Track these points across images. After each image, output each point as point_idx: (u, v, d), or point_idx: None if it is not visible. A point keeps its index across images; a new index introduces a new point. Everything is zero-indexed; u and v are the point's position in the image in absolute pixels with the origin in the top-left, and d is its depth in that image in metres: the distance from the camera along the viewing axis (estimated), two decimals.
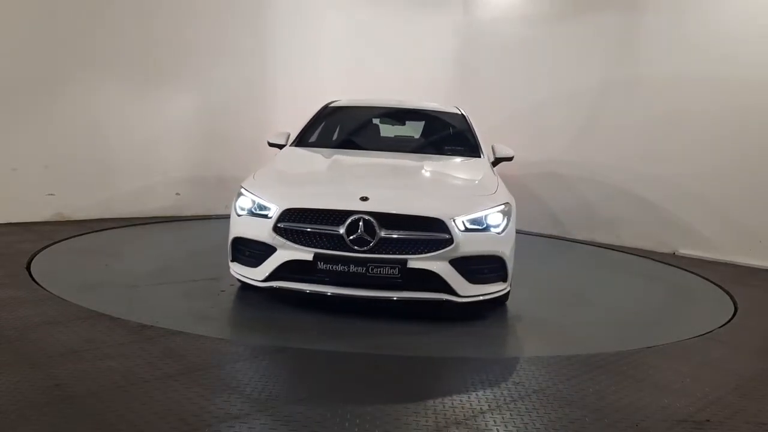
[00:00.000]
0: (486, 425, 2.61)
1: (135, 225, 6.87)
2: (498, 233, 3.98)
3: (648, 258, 6.99)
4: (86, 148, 7.01)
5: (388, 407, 2.70)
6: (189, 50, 7.68)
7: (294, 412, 2.60)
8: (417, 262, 3.76)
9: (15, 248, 5.35)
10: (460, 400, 2.83)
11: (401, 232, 3.78)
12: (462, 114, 5.71)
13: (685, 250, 7.24)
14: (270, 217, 3.89)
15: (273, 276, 3.91)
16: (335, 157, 4.87)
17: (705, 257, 7.04)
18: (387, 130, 5.95)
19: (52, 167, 6.73)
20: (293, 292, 3.98)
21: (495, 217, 4.00)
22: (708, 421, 2.80)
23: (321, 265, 3.78)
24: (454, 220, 3.82)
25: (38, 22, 6.53)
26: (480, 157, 5.12)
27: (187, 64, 7.72)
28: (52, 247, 5.54)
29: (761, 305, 5.27)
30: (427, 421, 2.59)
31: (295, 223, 3.84)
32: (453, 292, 3.86)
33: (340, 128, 5.76)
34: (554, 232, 8.14)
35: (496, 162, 5.26)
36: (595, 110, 7.96)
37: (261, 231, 3.91)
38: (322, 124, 5.69)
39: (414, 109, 6.05)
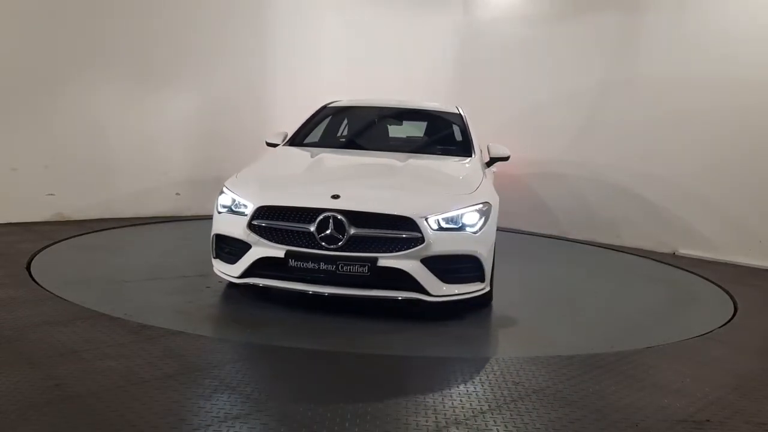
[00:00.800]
0: (486, 425, 2.61)
1: (135, 225, 6.87)
2: (473, 233, 3.94)
3: (648, 258, 6.99)
4: (86, 148, 7.01)
5: (388, 407, 2.70)
6: (189, 50, 7.69)
7: (294, 412, 2.60)
8: (387, 260, 3.76)
9: (15, 248, 5.35)
10: (460, 400, 2.83)
11: (372, 231, 3.79)
12: (459, 114, 5.69)
13: (685, 250, 7.24)
14: (246, 215, 3.95)
15: (248, 273, 3.97)
16: (320, 156, 4.90)
17: (705, 257, 7.04)
18: (382, 130, 5.94)
19: (52, 167, 6.73)
20: (267, 289, 4.02)
21: (471, 217, 3.97)
22: (708, 421, 2.80)
23: (292, 263, 3.81)
24: (426, 219, 3.80)
25: (38, 22, 6.53)
26: (471, 156, 5.06)
27: (187, 64, 7.72)
28: (52, 247, 5.54)
29: (761, 305, 5.27)
30: (427, 421, 2.59)
31: (269, 220, 3.90)
32: (424, 291, 3.84)
33: (335, 128, 5.78)
34: (554, 232, 8.14)
35: (492, 161, 5.22)
36: (594, 110, 7.96)
37: (237, 228, 3.98)
38: (318, 124, 5.73)
39: (411, 109, 6.05)
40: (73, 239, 5.95)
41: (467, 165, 4.85)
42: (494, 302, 4.95)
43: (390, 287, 3.85)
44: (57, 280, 4.46)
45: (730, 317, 4.74)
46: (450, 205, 3.95)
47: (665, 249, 7.35)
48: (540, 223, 8.20)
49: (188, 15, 7.64)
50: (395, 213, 3.80)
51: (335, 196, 3.84)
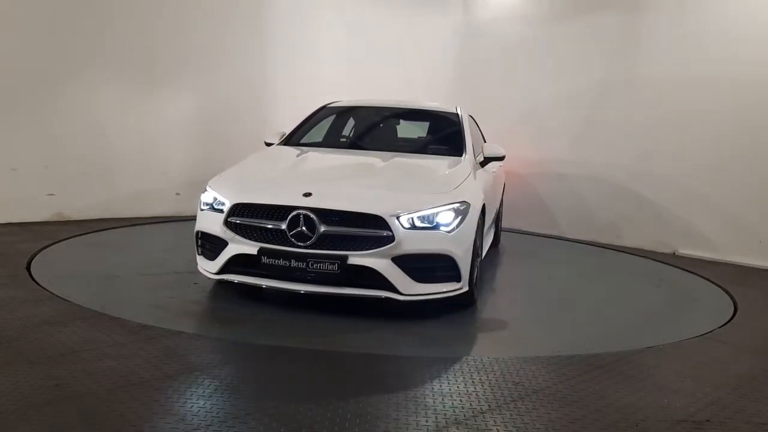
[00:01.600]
0: (486, 425, 2.61)
1: (135, 225, 6.87)
2: (447, 232, 3.92)
3: (648, 258, 6.99)
4: (86, 148, 7.00)
5: (388, 407, 2.70)
6: (189, 50, 7.68)
7: (294, 411, 2.60)
8: (357, 258, 3.77)
9: (15, 248, 5.35)
10: (460, 400, 2.83)
11: (342, 228, 3.80)
12: (456, 113, 5.63)
13: (685, 250, 7.24)
14: (224, 212, 4.01)
15: (224, 269, 4.04)
16: (306, 155, 4.95)
17: (705, 257, 7.04)
18: (378, 130, 5.93)
19: (52, 167, 6.73)
20: (242, 285, 4.07)
21: (446, 216, 3.94)
22: (708, 421, 2.81)
23: (265, 260, 3.85)
24: (398, 218, 3.79)
25: (38, 22, 6.53)
26: (462, 156, 4.96)
27: (188, 64, 7.72)
28: (52, 247, 5.54)
29: (761, 305, 5.27)
30: (427, 421, 2.59)
31: (244, 217, 3.96)
32: (395, 290, 3.83)
33: (332, 128, 5.79)
34: (554, 232, 8.13)
35: (486, 161, 5.17)
36: (594, 110, 7.95)
37: (216, 225, 4.04)
38: (316, 124, 5.75)
39: (408, 109, 6.02)
40: (73, 239, 5.95)
41: (454, 164, 4.76)
42: (493, 301, 4.96)
43: (361, 285, 3.85)
44: (57, 280, 4.46)
45: (730, 317, 4.74)
46: (423, 203, 3.93)
47: (665, 249, 7.35)
48: (539, 223, 8.20)
49: (188, 15, 7.63)
50: (364, 211, 3.80)
51: (307, 194, 3.88)
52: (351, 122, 5.93)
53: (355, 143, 5.56)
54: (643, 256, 7.06)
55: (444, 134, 5.60)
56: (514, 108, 8.50)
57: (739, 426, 2.78)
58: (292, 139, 5.47)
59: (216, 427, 2.42)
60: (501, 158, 5.22)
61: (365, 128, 5.89)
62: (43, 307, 3.82)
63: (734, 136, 6.83)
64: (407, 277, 3.83)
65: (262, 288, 3.99)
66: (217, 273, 4.09)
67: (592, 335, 4.15)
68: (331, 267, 3.77)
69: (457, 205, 4.02)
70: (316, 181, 4.23)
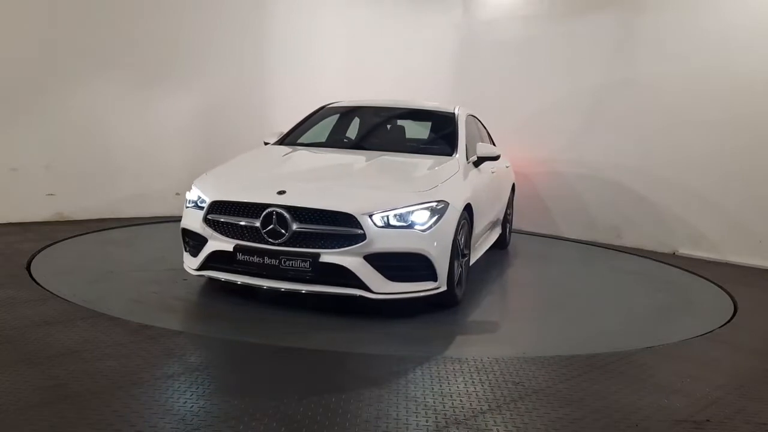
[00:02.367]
0: (486, 425, 2.61)
1: (135, 225, 6.87)
2: (422, 231, 3.90)
3: (648, 258, 6.99)
4: (86, 148, 7.00)
5: (388, 407, 2.70)
6: (190, 51, 7.68)
7: (293, 412, 2.60)
8: (329, 256, 3.78)
9: (15, 248, 5.35)
10: (460, 400, 2.83)
11: (314, 226, 3.82)
12: (453, 113, 5.55)
13: (685, 250, 7.24)
14: (203, 210, 4.10)
15: (204, 266, 4.11)
16: (294, 154, 5.00)
17: (705, 257, 7.04)
18: (372, 130, 5.90)
19: (53, 167, 6.73)
20: (230, 282, 4.13)
21: (421, 215, 3.92)
22: (708, 421, 2.81)
23: (240, 256, 3.91)
24: (371, 216, 3.79)
25: (39, 21, 6.53)
26: (452, 155, 4.89)
27: (188, 65, 7.72)
28: (52, 247, 5.54)
29: (761, 305, 5.27)
30: (427, 421, 2.59)
31: (221, 215, 4.03)
32: (367, 288, 3.83)
33: (327, 128, 5.80)
34: (553, 232, 8.14)
35: (479, 161, 5.11)
36: (594, 110, 7.96)
37: (197, 222, 4.13)
38: (314, 124, 5.75)
39: (405, 109, 5.97)
40: (73, 239, 5.95)
41: (440, 164, 4.70)
42: (493, 301, 4.96)
43: (333, 283, 3.86)
44: (57, 280, 4.46)
45: (730, 317, 4.74)
46: (397, 202, 3.92)
47: (665, 249, 7.35)
48: (539, 223, 8.21)
49: (189, 15, 7.63)
50: (335, 209, 3.81)
51: (281, 192, 3.91)
52: (347, 122, 5.93)
53: (349, 143, 5.58)
54: (643, 256, 7.06)
55: (438, 134, 5.58)
56: (513, 108, 8.51)
57: (739, 426, 2.78)
58: (288, 139, 5.51)
59: (216, 427, 2.42)
60: (495, 158, 5.17)
61: (360, 128, 5.88)
62: (43, 307, 3.82)
63: (734, 136, 6.83)
64: (380, 275, 3.84)
65: (252, 286, 4.02)
66: (198, 269, 4.16)
67: (592, 335, 4.15)
68: (303, 264, 3.80)
69: (434, 204, 3.99)
70: (294, 179, 4.29)
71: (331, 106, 5.97)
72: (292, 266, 3.82)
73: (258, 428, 2.43)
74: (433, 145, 5.40)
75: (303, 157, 5.03)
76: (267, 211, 3.85)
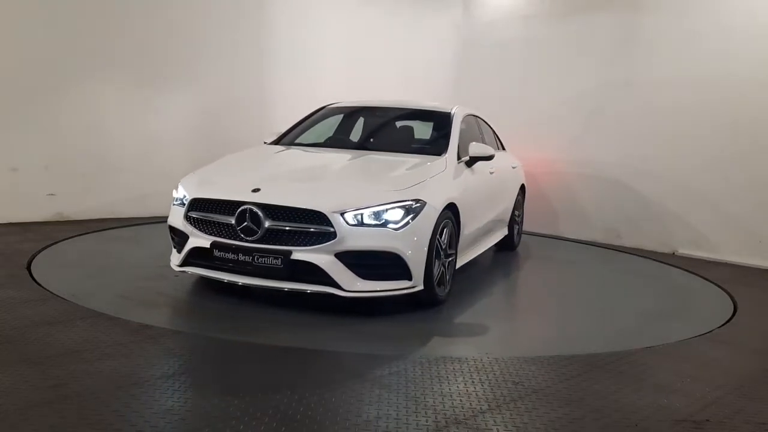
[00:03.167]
0: (486, 425, 2.61)
1: (135, 225, 6.87)
2: (395, 229, 3.89)
3: (648, 258, 6.99)
4: (86, 148, 7.00)
5: (388, 407, 2.70)
6: (189, 50, 7.68)
7: (293, 412, 2.60)
8: (301, 253, 3.82)
9: (15, 248, 5.36)
10: (460, 400, 2.83)
11: (287, 224, 3.86)
12: (448, 113, 5.48)
13: (685, 250, 7.24)
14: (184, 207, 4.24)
15: (185, 262, 4.23)
16: (283, 153, 5.07)
17: (705, 257, 7.04)
18: (367, 129, 5.89)
19: (53, 167, 6.73)
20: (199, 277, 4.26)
21: (394, 213, 3.91)
22: (708, 421, 2.81)
23: (216, 253, 4.00)
24: (343, 214, 3.81)
25: (39, 21, 6.53)
26: (441, 155, 4.84)
27: (188, 65, 7.72)
28: (52, 247, 5.54)
29: (761, 305, 5.27)
30: (427, 421, 2.59)
31: (200, 212, 4.13)
32: (337, 286, 3.85)
33: (324, 128, 5.80)
34: (553, 232, 8.14)
35: (472, 161, 5.06)
36: (594, 110, 7.96)
37: (179, 220, 4.26)
38: (313, 124, 5.77)
39: (402, 109, 5.92)
40: (73, 239, 5.95)
41: (425, 163, 4.66)
42: (492, 300, 4.96)
43: (305, 280, 3.89)
44: (57, 280, 4.46)
45: (729, 317, 4.74)
46: (369, 200, 3.92)
47: (665, 249, 7.35)
48: (538, 223, 8.20)
49: (189, 15, 7.63)
50: (306, 207, 3.84)
51: (256, 190, 3.97)
52: (345, 122, 5.93)
53: (344, 142, 5.58)
54: (643, 256, 7.06)
55: (432, 133, 5.52)
56: (513, 108, 8.51)
57: (739, 426, 2.78)
58: (285, 139, 5.54)
59: (216, 427, 2.42)
60: (488, 158, 5.10)
61: (356, 128, 5.87)
62: (43, 307, 3.82)
63: (735, 136, 6.83)
64: (351, 273, 3.85)
65: (225, 282, 4.10)
66: (180, 265, 4.26)
67: (592, 335, 4.15)
68: (275, 261, 3.85)
69: (410, 202, 3.98)
70: (273, 178, 4.35)
71: (330, 106, 5.99)
72: (264, 263, 3.87)
73: (258, 428, 2.43)
74: (424, 144, 5.36)
75: (290, 156, 5.06)
76: (241, 208, 3.92)
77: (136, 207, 7.35)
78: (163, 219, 7.33)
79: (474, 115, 6.01)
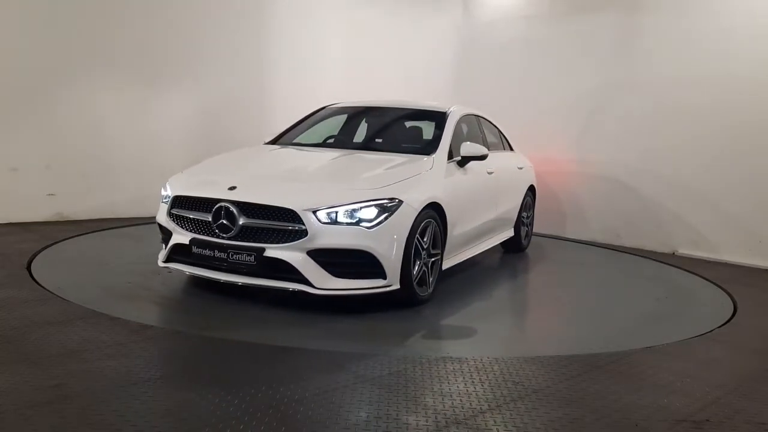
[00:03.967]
0: (486, 425, 2.61)
1: (135, 225, 6.87)
2: (368, 228, 3.89)
3: (648, 258, 6.99)
4: (87, 149, 7.01)
5: (388, 407, 2.70)
6: (189, 50, 7.68)
7: (293, 411, 2.60)
8: (273, 251, 3.86)
9: (15, 248, 5.36)
10: (460, 400, 2.83)
11: (260, 221, 3.92)
12: (444, 113, 5.43)
13: (685, 250, 7.24)
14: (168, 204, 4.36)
15: (169, 258, 4.32)
16: (273, 152, 5.13)
17: (705, 257, 7.04)
18: (362, 129, 5.88)
19: (53, 167, 6.73)
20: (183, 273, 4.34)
21: (368, 212, 3.92)
22: (708, 421, 2.81)
23: (195, 249, 4.09)
24: (315, 213, 3.83)
25: (39, 21, 6.53)
26: (429, 155, 4.79)
27: (188, 65, 7.72)
28: (52, 247, 5.54)
29: (761, 305, 5.27)
30: (427, 421, 2.59)
31: (181, 209, 4.24)
32: (309, 284, 3.87)
33: (322, 128, 5.80)
34: (553, 232, 8.13)
35: (464, 161, 5.01)
36: (594, 110, 7.95)
37: (164, 217, 4.38)
38: (311, 125, 5.78)
39: (398, 109, 5.87)
40: (73, 239, 5.95)
41: (410, 162, 4.64)
42: (490, 300, 4.95)
43: (278, 277, 3.92)
44: (57, 280, 4.46)
45: (729, 317, 4.74)
46: (342, 198, 3.93)
47: (665, 249, 7.35)
48: (538, 223, 8.18)
49: (189, 16, 7.63)
50: (278, 204, 3.88)
51: (232, 188, 4.03)
52: (342, 122, 5.93)
53: (340, 142, 5.58)
54: (643, 256, 7.06)
55: (425, 133, 5.46)
56: (513, 107, 8.50)
57: (739, 426, 2.78)
58: (283, 139, 5.57)
59: (216, 427, 2.42)
60: (480, 158, 5.04)
61: (353, 128, 5.86)
62: (43, 307, 3.82)
63: (735, 136, 6.83)
64: (323, 271, 3.87)
65: (220, 280, 4.12)
66: (165, 261, 4.35)
67: (592, 335, 4.15)
68: (248, 258, 3.90)
69: (385, 201, 3.98)
70: (253, 176, 4.41)
71: (330, 106, 6.01)
72: (238, 260, 3.93)
73: (258, 428, 2.43)
74: (415, 143, 5.30)
75: (278, 155, 5.09)
76: (217, 206, 3.98)
77: (136, 207, 7.34)
78: None
79: (476, 115, 5.98)
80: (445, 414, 2.68)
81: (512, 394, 2.94)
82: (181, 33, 7.56)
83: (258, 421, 2.49)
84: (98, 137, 7.09)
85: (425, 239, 4.29)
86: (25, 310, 3.74)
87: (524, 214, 6.70)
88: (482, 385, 3.02)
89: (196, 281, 4.57)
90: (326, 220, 3.85)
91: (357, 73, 8.83)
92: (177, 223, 4.24)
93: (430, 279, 4.43)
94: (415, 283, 4.20)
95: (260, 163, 4.90)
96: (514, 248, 6.66)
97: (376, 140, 5.58)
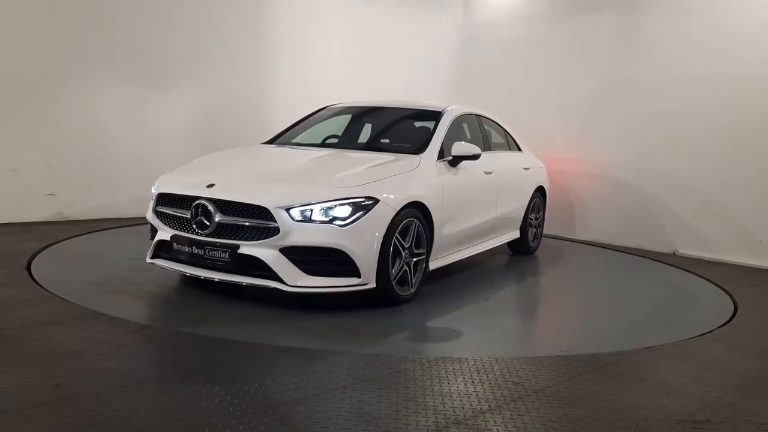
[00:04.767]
0: (486, 425, 2.61)
1: (135, 224, 6.87)
2: (341, 226, 3.89)
3: (648, 258, 6.99)
4: (87, 149, 7.01)
5: (388, 407, 2.70)
6: (189, 50, 7.69)
7: (293, 411, 2.60)
8: (247, 248, 3.91)
9: (15, 248, 5.36)
10: (460, 400, 2.83)
11: (235, 219, 3.97)
12: (439, 112, 5.40)
13: (685, 250, 7.24)
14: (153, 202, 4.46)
15: (154, 254, 4.41)
16: (262, 152, 5.22)
17: (705, 257, 7.04)
18: (358, 129, 5.88)
19: (53, 167, 6.73)
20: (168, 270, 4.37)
21: (341, 210, 3.92)
22: (708, 421, 2.81)
23: (175, 246, 4.17)
24: (288, 210, 3.86)
25: (39, 21, 6.53)
26: (417, 154, 4.76)
27: (188, 65, 7.72)
28: (52, 247, 5.54)
29: (761, 305, 5.27)
30: (427, 421, 2.59)
31: (165, 207, 4.32)
32: (280, 281, 3.88)
33: (317, 128, 5.82)
34: (553, 232, 8.12)
35: (455, 160, 4.95)
36: (594, 110, 7.96)
37: (150, 214, 4.49)
38: (310, 125, 5.79)
39: (396, 109, 5.86)
40: (73, 239, 5.95)
41: (394, 161, 4.62)
42: (489, 300, 4.95)
43: (252, 274, 3.95)
44: (57, 280, 4.47)
45: (730, 317, 4.74)
46: (315, 196, 3.94)
47: (665, 249, 7.35)
48: None
49: (189, 16, 7.64)
50: (250, 202, 3.93)
51: (210, 186, 4.09)
52: (340, 122, 5.93)
53: (331, 142, 5.60)
54: (643, 256, 7.06)
55: (417, 132, 5.41)
56: (513, 107, 8.50)
57: (739, 426, 2.78)
58: (281, 139, 5.62)
59: (216, 427, 2.42)
60: (472, 157, 4.97)
61: (348, 128, 5.86)
62: (43, 307, 3.82)
63: (735, 136, 6.83)
64: (295, 268, 3.89)
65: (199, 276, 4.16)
66: (151, 258, 4.42)
67: (592, 335, 4.15)
68: (223, 255, 3.96)
69: (360, 200, 3.97)
70: (234, 174, 4.45)
71: (329, 107, 6.02)
72: (214, 256, 3.99)
73: (258, 428, 2.43)
74: (407, 143, 5.24)
75: (266, 155, 5.15)
76: (195, 203, 4.05)
77: (136, 207, 7.32)
78: None
79: (477, 115, 5.94)
80: (445, 414, 2.68)
81: (512, 394, 2.94)
82: (181, 33, 7.57)
83: (258, 421, 2.49)
84: (98, 137, 7.09)
85: (407, 239, 4.27)
86: (25, 310, 3.74)
87: (532, 216, 6.59)
88: (482, 385, 3.02)
89: (194, 281, 4.57)
90: (299, 218, 3.87)
91: (357, 73, 8.83)
92: (161, 220, 4.33)
93: (413, 279, 4.40)
94: (394, 283, 4.19)
95: (246, 162, 4.94)
96: (521, 250, 6.58)
97: (370, 140, 5.59)
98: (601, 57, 7.90)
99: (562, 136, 8.18)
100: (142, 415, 2.48)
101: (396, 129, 5.65)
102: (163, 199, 4.34)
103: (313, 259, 3.91)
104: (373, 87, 8.34)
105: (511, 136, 6.59)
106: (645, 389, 3.12)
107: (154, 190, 4.47)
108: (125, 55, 7.18)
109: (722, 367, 3.64)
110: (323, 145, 5.54)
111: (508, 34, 8.78)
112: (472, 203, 5.29)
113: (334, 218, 3.91)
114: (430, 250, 4.59)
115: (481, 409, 2.76)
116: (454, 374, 3.16)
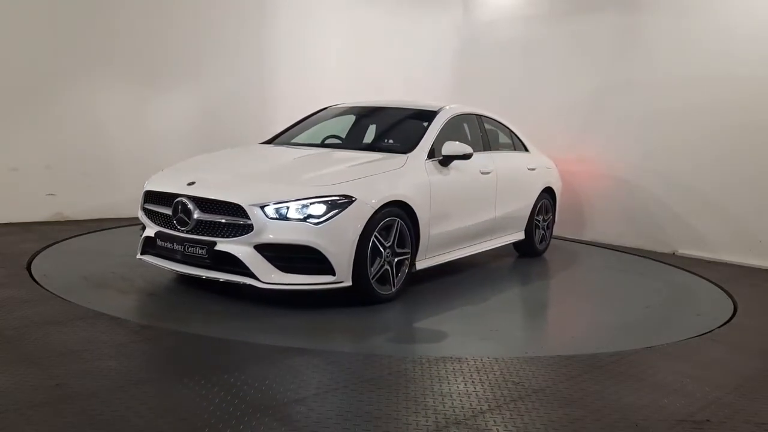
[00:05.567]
0: (486, 425, 2.61)
1: (135, 224, 6.85)
2: (315, 224, 3.91)
3: (648, 258, 6.99)
4: (87, 149, 7.01)
5: (388, 407, 2.70)
6: (189, 50, 7.69)
7: (294, 411, 2.60)
8: (223, 244, 3.97)
9: (15, 248, 5.36)
10: (460, 400, 2.83)
11: (212, 216, 4.04)
12: (434, 111, 5.36)
13: (685, 250, 7.24)
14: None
15: (143, 251, 4.50)
16: (254, 151, 5.29)
17: (705, 257, 7.04)
18: (355, 128, 5.87)
19: (53, 167, 6.73)
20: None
21: (316, 208, 3.93)
22: (708, 421, 2.81)
23: (159, 242, 4.27)
24: (263, 208, 3.89)
25: (39, 21, 6.54)
26: (407, 153, 4.74)
27: (188, 65, 7.72)
28: (52, 247, 5.54)
29: (761, 305, 5.27)
30: (427, 421, 2.59)
31: (151, 204, 4.43)
32: (254, 277, 3.92)
33: (315, 128, 5.84)
34: (553, 232, 8.12)
35: (446, 160, 4.91)
36: (594, 110, 7.95)
37: (139, 211, 4.59)
38: (310, 125, 5.81)
39: (394, 109, 5.84)
40: (73, 239, 5.95)
41: (378, 160, 4.61)
42: (489, 300, 4.95)
43: (228, 271, 4.01)
44: (57, 280, 4.47)
45: (730, 317, 4.74)
46: (289, 194, 3.97)
47: (665, 249, 7.35)
48: None
49: (190, 16, 7.64)
50: (226, 200, 3.99)
51: (191, 183, 4.18)
52: (338, 123, 5.93)
53: (327, 142, 5.62)
54: (643, 256, 7.06)
55: (410, 132, 5.32)
56: (513, 107, 8.49)
57: (739, 426, 2.78)
58: (279, 139, 5.65)
59: (216, 427, 2.42)
60: (463, 157, 4.92)
61: (345, 128, 5.85)
62: (43, 307, 3.82)
63: (735, 136, 6.82)
64: (269, 265, 3.92)
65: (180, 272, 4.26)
66: (140, 254, 4.51)
67: (592, 335, 4.15)
68: (201, 251, 4.03)
69: (336, 198, 3.98)
70: (216, 172, 4.52)
71: (329, 107, 6.04)
72: (192, 253, 4.06)
73: (258, 428, 2.43)
74: (398, 142, 5.22)
75: (256, 154, 5.23)
76: (176, 200, 4.14)
77: (136, 207, 7.28)
78: None
79: (478, 114, 5.91)
80: (445, 414, 2.68)
81: (512, 394, 2.94)
82: (181, 33, 7.57)
83: (258, 421, 2.49)
84: (98, 137, 7.09)
85: (389, 238, 4.26)
86: (25, 310, 3.74)
87: (539, 217, 6.52)
88: (482, 385, 3.02)
89: (190, 279, 4.57)
90: (274, 216, 3.90)
91: (357, 72, 8.83)
92: (148, 217, 4.44)
93: (395, 278, 4.38)
94: (374, 281, 4.19)
95: (234, 161, 4.99)
96: (527, 252, 6.51)
97: (364, 139, 5.59)
98: (601, 57, 7.90)
99: (562, 136, 8.18)
100: (142, 415, 2.48)
101: (392, 129, 5.64)
102: (150, 196, 4.44)
103: (288, 256, 3.94)
104: (373, 87, 8.35)
105: (517, 136, 6.52)
106: (645, 389, 3.12)
107: (144, 188, 4.57)
108: (125, 55, 7.18)
109: (722, 367, 3.64)
110: (321, 145, 5.54)
111: (508, 34, 8.78)
112: (465, 203, 5.24)
113: (309, 216, 3.93)
114: (416, 249, 4.57)
115: (481, 409, 2.76)
116: (454, 374, 3.16)
